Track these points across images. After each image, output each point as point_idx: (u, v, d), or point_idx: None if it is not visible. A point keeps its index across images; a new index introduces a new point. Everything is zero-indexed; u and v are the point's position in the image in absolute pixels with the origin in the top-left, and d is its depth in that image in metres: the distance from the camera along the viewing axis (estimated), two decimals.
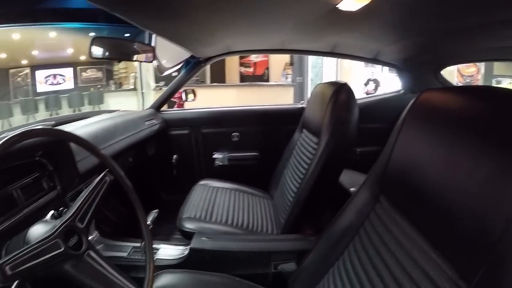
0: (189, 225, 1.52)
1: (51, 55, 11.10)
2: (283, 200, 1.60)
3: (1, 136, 0.70)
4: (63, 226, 0.77)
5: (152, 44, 1.99)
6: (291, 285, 1.04)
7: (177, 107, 2.59)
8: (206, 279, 1.09)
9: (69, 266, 0.75)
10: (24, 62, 10.87)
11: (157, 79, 9.20)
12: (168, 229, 1.82)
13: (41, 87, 11.12)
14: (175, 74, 2.38)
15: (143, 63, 10.15)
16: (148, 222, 1.01)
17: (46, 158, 1.17)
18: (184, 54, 2.03)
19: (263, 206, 1.76)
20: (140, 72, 10.54)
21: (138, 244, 1.47)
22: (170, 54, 2.02)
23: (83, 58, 11.61)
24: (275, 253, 1.23)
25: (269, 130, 2.20)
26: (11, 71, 10.70)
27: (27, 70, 10.91)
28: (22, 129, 0.74)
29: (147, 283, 0.84)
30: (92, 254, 0.79)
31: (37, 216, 0.90)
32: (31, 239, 0.82)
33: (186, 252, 1.33)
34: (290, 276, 1.08)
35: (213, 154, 2.29)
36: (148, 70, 9.89)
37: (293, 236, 1.33)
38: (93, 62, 11.86)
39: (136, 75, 10.88)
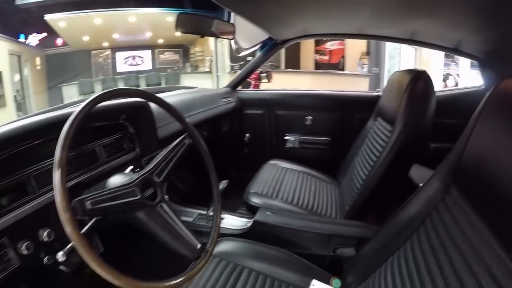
0: (255, 200, 1.63)
1: (131, 38, 12.05)
2: (350, 187, 1.61)
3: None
4: (141, 177, 0.86)
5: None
6: (347, 270, 1.06)
7: (253, 87, 2.71)
8: (265, 251, 1.16)
9: (141, 213, 0.84)
10: (105, 44, 12.02)
11: (233, 61, 9.55)
12: (234, 204, 1.93)
13: (120, 67, 12.23)
14: (249, 58, 2.48)
15: (219, 47, 10.63)
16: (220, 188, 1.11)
17: (129, 121, 1.35)
18: (262, 35, 2.10)
19: (329, 191, 1.79)
20: (215, 56, 10.87)
21: (203, 212, 1.60)
22: (248, 35, 2.10)
23: (161, 41, 12.42)
24: (336, 236, 1.25)
25: (343, 117, 2.20)
26: (93, 52, 11.96)
27: (108, 52, 12.12)
28: (118, 87, 0.86)
29: (210, 244, 0.91)
30: (164, 206, 0.88)
31: (115, 172, 1.00)
32: (110, 185, 0.91)
33: (250, 224, 1.42)
34: (348, 261, 1.10)
35: (285, 136, 2.35)
36: (223, 54, 10.31)
37: (355, 222, 1.34)
38: (171, 45, 12.63)
39: (211, 58, 11.27)
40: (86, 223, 0.81)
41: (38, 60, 11.04)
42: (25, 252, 0.91)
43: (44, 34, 10.70)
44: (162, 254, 1.25)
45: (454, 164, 0.83)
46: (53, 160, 0.91)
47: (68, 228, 0.66)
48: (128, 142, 1.35)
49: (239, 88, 2.49)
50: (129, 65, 12.53)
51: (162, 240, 0.86)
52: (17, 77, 9.76)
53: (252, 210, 1.58)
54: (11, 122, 0.97)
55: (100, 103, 0.81)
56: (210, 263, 1.10)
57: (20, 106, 9.54)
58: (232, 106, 2.28)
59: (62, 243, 0.88)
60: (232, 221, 1.50)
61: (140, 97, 1.02)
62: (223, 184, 1.50)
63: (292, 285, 1.03)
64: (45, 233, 0.97)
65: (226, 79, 9.58)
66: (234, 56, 9.06)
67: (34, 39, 10.60)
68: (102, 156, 1.21)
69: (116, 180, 0.93)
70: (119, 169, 1.11)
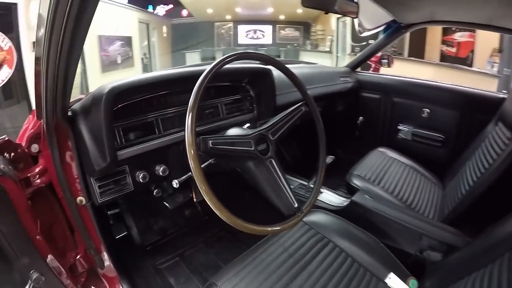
0: (356, 181, 1.68)
1: (253, 13, 12.58)
2: (454, 191, 1.55)
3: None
4: (258, 132, 1.01)
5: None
6: (430, 274, 1.06)
7: (372, 71, 2.69)
8: (354, 232, 1.21)
9: (252, 163, 0.99)
10: (228, 17, 12.84)
11: (355, 40, 9.36)
12: (335, 183, 1.97)
13: (241, 40, 13.05)
14: (371, 41, 2.47)
15: (341, 27, 10.44)
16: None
17: (251, 85, 1.57)
18: (385, 17, 2.07)
19: (432, 191, 1.74)
20: (336, 36, 10.81)
21: (304, 182, 1.76)
22: (371, 16, 2.10)
23: (282, 17, 12.66)
24: (427, 237, 1.24)
25: (461, 115, 2.06)
26: (216, 23, 12.91)
27: (230, 24, 12.97)
28: (247, 51, 1.03)
29: (306, 206, 1.02)
30: (274, 162, 1.00)
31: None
32: (230, 134, 1.08)
33: (346, 203, 1.50)
34: (431, 265, 1.11)
35: (398, 125, 2.31)
36: (345, 35, 10.16)
37: (450, 228, 1.30)
38: (292, 21, 12.80)
39: (332, 38, 11.20)
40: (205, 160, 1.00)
41: (164, 29, 12.25)
42: (140, 180, 1.20)
43: (171, 6, 11.92)
44: (256, 207, 1.42)
45: None
46: (179, 108, 1.24)
47: (192, 161, 0.82)
48: (248, 103, 1.56)
49: (358, 69, 2.51)
50: (250, 38, 13.21)
51: (263, 190, 1.00)
52: (145, 42, 10.97)
53: (351, 191, 1.64)
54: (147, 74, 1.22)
55: (230, 62, 0.97)
56: (300, 228, 1.20)
57: (146, 68, 10.84)
58: (349, 86, 2.34)
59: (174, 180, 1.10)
60: (329, 197, 1.61)
61: (266, 63, 1.19)
62: (329, 159, 1.63)
63: (370, 271, 1.07)
64: (161, 169, 1.25)
65: (345, 61, 9.40)
66: (357, 36, 8.82)
67: (161, 9, 11.92)
68: (223, 112, 1.44)
69: (235, 131, 1.09)
70: (236, 126, 1.26)
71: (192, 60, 12.37)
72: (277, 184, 0.99)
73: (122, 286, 1.28)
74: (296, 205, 0.99)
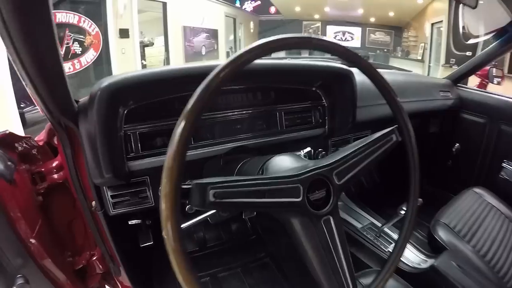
0: (442, 234, 1.33)
1: (342, 13, 12.38)
2: None
3: None
4: (314, 171, 0.63)
5: None
6: None
7: (478, 87, 2.24)
8: None
9: (296, 220, 0.63)
10: (316, 16, 12.71)
11: (449, 55, 8.61)
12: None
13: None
14: (469, 54, 2.05)
15: (435, 35, 9.77)
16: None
17: (324, 90, 1.17)
18: (503, 18, 1.62)
19: None
20: (430, 44, 10.27)
21: (377, 223, 1.41)
22: (484, 17, 1.70)
23: (372, 20, 12.29)
24: None
25: None
26: (304, 22, 12.88)
27: (318, 24, 12.84)
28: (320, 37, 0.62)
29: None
30: (332, 222, 0.64)
31: (290, 148, 0.86)
32: (270, 169, 0.72)
33: (425, 266, 1.21)
34: None
35: (503, 162, 1.80)
36: (440, 43, 9.55)
37: None
38: (383, 25, 12.46)
39: (425, 46, 10.64)
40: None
41: (251, 24, 12.52)
42: None
43: (258, 2, 12.12)
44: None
45: None
46: (221, 113, 0.91)
47: (164, 212, 0.46)
48: (317, 115, 1.17)
49: (460, 84, 2.03)
50: (338, 39, 12.84)
51: (307, 260, 0.64)
52: (231, 37, 11.20)
53: (434, 246, 1.30)
54: None
55: (274, 51, 0.57)
56: None
57: None
58: (449, 104, 1.89)
59: None
60: (405, 251, 1.25)
61: (346, 59, 0.67)
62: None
63: None
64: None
65: (438, 72, 8.88)
66: (460, 43, 7.92)
67: (249, 5, 12.13)
68: (282, 123, 1.09)
69: (281, 162, 0.73)
70: (296, 144, 0.97)
71: None
72: (330, 255, 0.63)
73: None
74: None
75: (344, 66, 1.10)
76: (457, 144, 2.00)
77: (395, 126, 0.73)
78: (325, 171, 0.64)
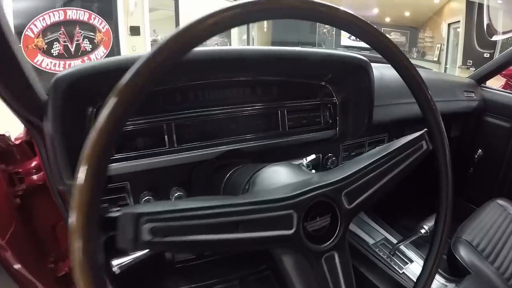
0: (464, 255, 1.18)
1: (357, 13, 12.11)
2: None
3: None
4: (316, 191, 0.45)
5: None
6: None
7: (503, 87, 2.08)
8: None
9: (287, 258, 0.46)
10: None
11: (466, 57, 8.51)
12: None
13: (344, 41, 12.70)
14: (487, 55, 1.89)
15: (452, 36, 9.61)
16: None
17: (336, 86, 1.01)
18: None
19: None
20: (447, 44, 10.16)
21: (392, 239, 1.26)
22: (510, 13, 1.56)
23: (388, 20, 12.14)
24: None
25: None
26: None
27: None
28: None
29: None
30: (336, 259, 0.47)
31: (295, 153, 0.75)
32: (258, 187, 0.55)
33: None
34: None
35: None
36: (457, 44, 9.47)
37: None
38: (398, 25, 12.21)
39: (442, 47, 10.51)
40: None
41: (265, 23, 12.38)
42: None
43: None
44: None
45: None
46: (217, 109, 0.80)
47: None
48: (327, 114, 1.02)
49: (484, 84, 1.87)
50: (353, 39, 12.72)
51: None
52: (244, 36, 11.09)
53: (455, 266, 1.16)
54: None
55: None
56: None
57: None
58: (474, 105, 1.73)
59: None
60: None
61: (368, 42, 0.51)
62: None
63: None
64: (176, 195, 0.81)
65: (455, 74, 8.70)
66: (484, 39, 7.59)
67: None
68: (285, 123, 0.94)
69: (272, 175, 0.57)
70: (301, 149, 0.85)
71: None
72: None
73: None
74: None
75: (361, 56, 0.94)
76: (480, 150, 1.85)
77: (425, 130, 0.57)
78: (331, 191, 0.46)
